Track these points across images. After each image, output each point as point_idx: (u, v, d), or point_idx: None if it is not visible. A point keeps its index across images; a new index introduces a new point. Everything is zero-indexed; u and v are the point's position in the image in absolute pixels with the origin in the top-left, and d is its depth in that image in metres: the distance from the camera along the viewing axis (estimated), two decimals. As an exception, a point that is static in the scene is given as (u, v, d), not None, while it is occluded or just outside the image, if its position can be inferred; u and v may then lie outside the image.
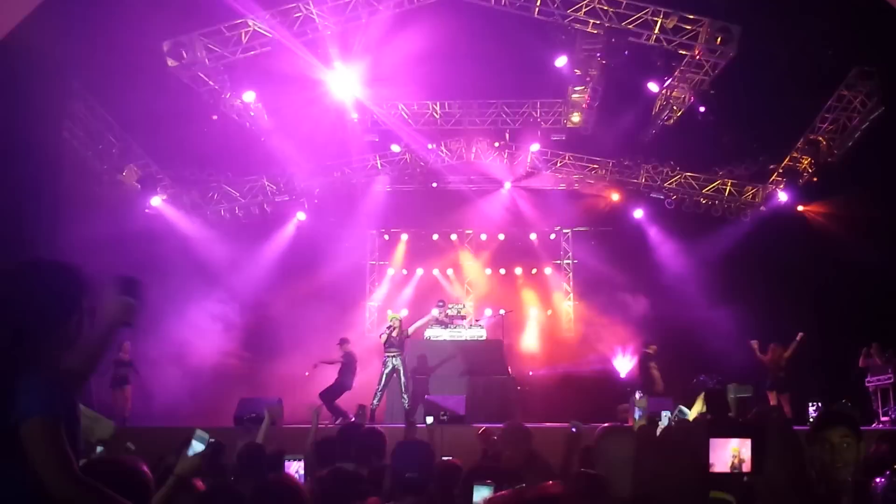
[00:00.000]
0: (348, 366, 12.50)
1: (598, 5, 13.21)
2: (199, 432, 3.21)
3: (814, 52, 12.85)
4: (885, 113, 13.91)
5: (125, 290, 2.90)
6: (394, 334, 12.37)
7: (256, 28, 13.30)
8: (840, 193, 14.93)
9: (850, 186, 14.65)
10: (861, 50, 13.14)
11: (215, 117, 14.43)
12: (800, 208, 16.17)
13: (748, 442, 2.34)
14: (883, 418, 12.62)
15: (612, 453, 2.92)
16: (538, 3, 13.36)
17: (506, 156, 17.45)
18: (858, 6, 9.91)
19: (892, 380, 12.79)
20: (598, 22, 13.38)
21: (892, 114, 13.68)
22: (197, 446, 3.18)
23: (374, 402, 12.23)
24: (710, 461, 2.38)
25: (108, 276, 2.92)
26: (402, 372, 12.29)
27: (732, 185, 16.85)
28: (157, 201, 15.71)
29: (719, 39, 13.14)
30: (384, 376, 12.29)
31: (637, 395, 5.26)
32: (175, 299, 14.44)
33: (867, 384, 13.39)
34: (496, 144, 17.09)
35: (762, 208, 16.86)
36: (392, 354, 12.30)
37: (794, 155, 15.90)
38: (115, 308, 2.89)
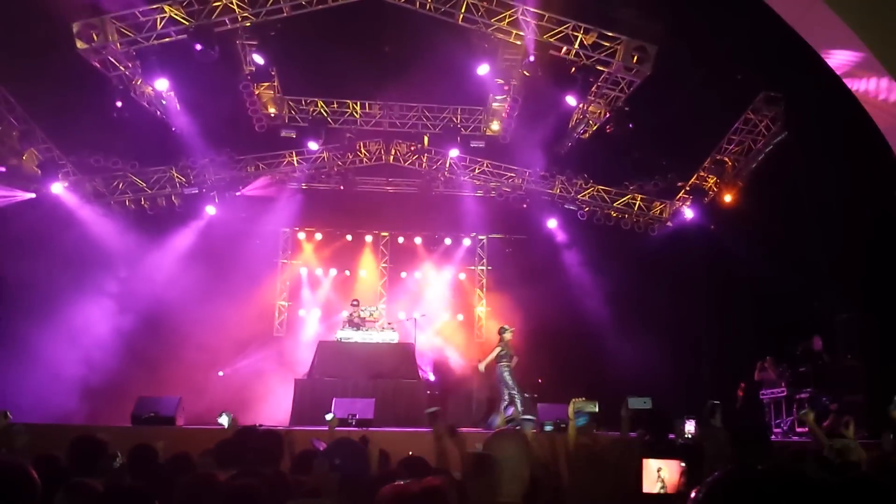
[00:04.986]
0: None
1: (521, 17, 13.36)
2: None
3: (724, 75, 13.32)
4: (787, 137, 14.54)
5: None
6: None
7: (172, 14, 12.88)
8: (742, 212, 15.51)
9: (752, 206, 15.26)
10: (768, 76, 13.69)
11: (119, 104, 13.81)
12: (711, 227, 16.70)
13: (677, 463, 2.35)
14: (776, 430, 13.17)
15: (501, 456, 2.92)
16: (462, 10, 13.41)
17: (424, 160, 17.45)
18: (768, 34, 10.30)
19: (785, 393, 13.37)
20: (520, 33, 13.53)
21: (795, 138, 14.30)
22: None
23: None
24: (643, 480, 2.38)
25: None
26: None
27: (642, 199, 17.31)
28: (57, 188, 14.98)
29: (636, 58, 13.46)
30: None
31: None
32: (73, 291, 13.82)
33: (762, 397, 13.95)
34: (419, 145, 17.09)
35: (669, 224, 17.39)
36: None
37: (701, 174, 16.44)
38: None
